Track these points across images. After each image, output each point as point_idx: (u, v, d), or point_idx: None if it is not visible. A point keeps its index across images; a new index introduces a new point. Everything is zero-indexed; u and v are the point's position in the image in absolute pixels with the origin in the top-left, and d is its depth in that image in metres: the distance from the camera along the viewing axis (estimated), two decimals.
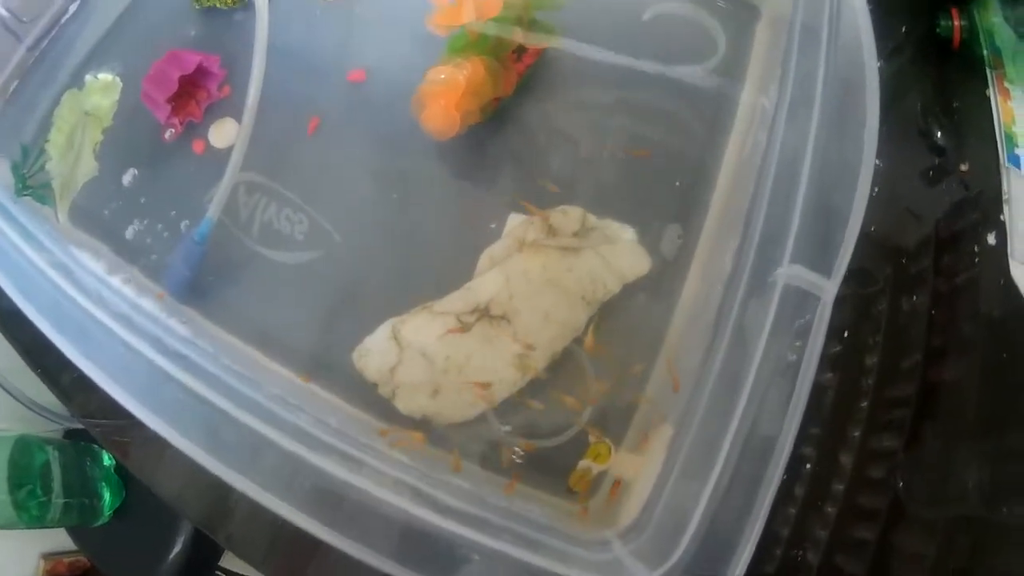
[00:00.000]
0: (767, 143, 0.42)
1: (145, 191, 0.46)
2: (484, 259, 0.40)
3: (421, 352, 0.38)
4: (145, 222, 0.45)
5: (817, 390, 0.44)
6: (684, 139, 0.44)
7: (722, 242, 0.41)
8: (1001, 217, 0.49)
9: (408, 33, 0.46)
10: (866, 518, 0.41)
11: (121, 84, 0.47)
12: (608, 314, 0.40)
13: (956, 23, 0.57)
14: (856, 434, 0.43)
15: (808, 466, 0.42)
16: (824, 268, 0.32)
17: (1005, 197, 0.50)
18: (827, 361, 0.44)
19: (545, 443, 0.38)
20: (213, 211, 0.43)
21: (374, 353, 0.39)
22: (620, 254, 0.40)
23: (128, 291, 0.41)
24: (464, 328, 0.38)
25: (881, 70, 0.59)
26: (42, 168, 0.46)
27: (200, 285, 0.43)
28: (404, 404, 0.39)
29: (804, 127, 0.39)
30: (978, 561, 0.39)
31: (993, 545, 0.39)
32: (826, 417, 0.43)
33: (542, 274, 0.38)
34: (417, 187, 0.43)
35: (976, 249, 0.47)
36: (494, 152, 0.44)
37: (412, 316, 0.38)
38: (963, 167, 0.52)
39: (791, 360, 0.32)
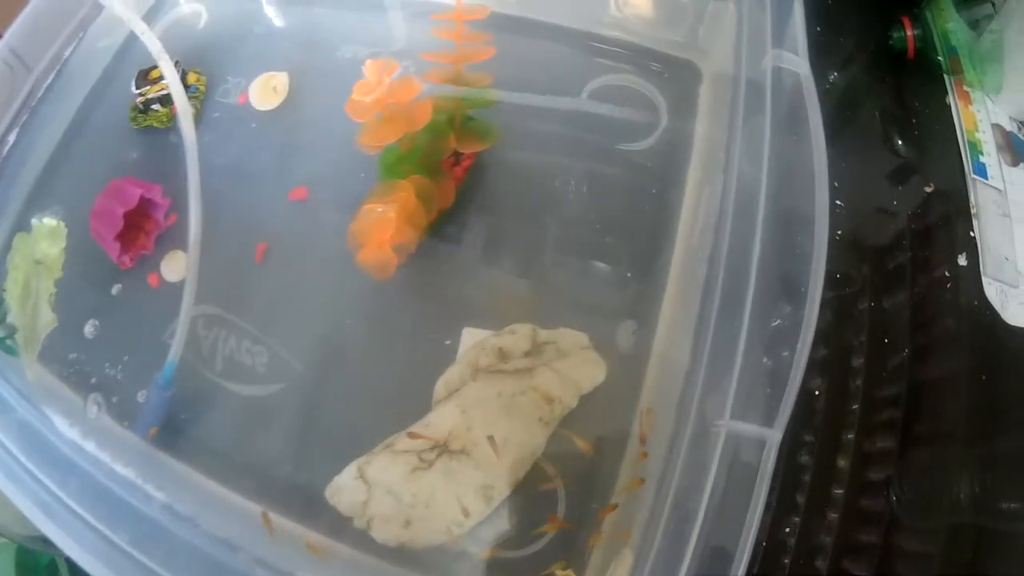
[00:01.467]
0: (718, 219, 0.40)
1: (107, 334, 0.45)
2: (440, 386, 0.39)
3: (388, 490, 0.38)
4: (110, 365, 0.44)
5: (807, 396, 0.45)
6: (632, 225, 0.43)
7: (679, 332, 0.41)
8: (971, 233, 0.47)
9: (345, 143, 0.43)
10: (869, 521, 0.41)
11: (66, 229, 0.46)
12: (568, 424, 0.39)
13: (909, 33, 0.54)
14: (850, 437, 0.43)
15: (807, 475, 0.42)
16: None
17: (973, 211, 0.48)
18: (815, 366, 0.44)
19: (512, 554, 0.38)
20: (173, 354, 0.42)
21: (345, 490, 0.39)
22: (575, 366, 0.39)
23: (104, 457, 0.41)
24: (426, 465, 0.37)
25: (835, 82, 0.57)
26: (3, 319, 0.45)
27: (172, 424, 0.43)
28: (379, 534, 0.38)
29: (753, 201, 0.37)
30: (982, 558, 0.39)
31: (995, 543, 0.39)
32: (819, 423, 0.42)
33: (497, 402, 0.38)
34: (369, 309, 0.42)
35: (947, 273, 0.46)
36: (441, 266, 0.42)
37: (376, 456, 0.38)
38: (927, 188, 0.50)
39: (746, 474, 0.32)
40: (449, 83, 0.42)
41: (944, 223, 0.48)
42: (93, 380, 0.44)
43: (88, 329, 0.45)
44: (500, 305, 0.41)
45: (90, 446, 0.42)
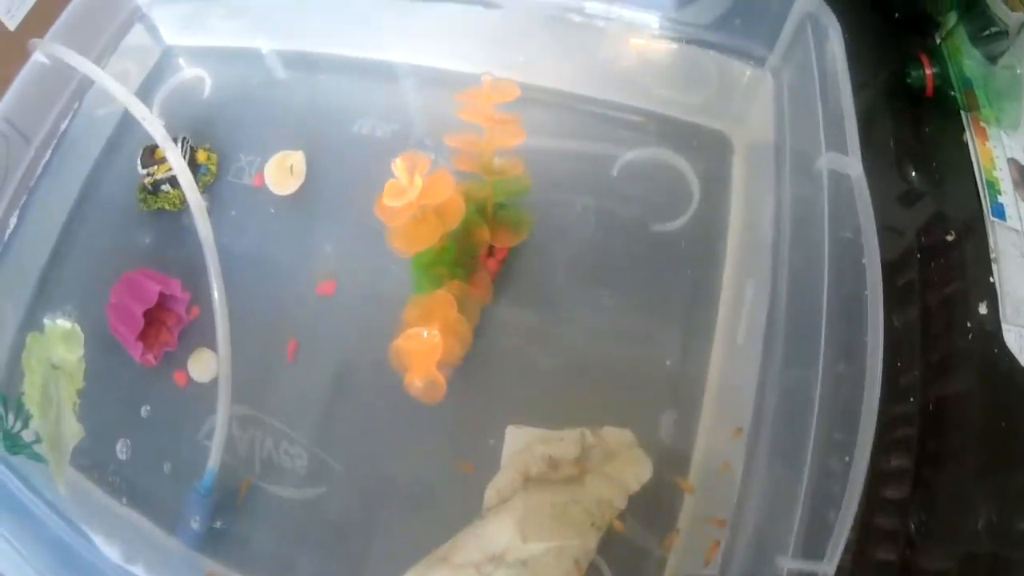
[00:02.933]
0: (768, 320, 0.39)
1: (139, 442, 0.42)
2: (490, 492, 0.38)
3: None
4: (146, 472, 0.42)
5: None
6: (669, 310, 0.41)
7: (722, 420, 0.40)
8: (991, 279, 0.46)
9: (370, 230, 0.41)
10: (886, 539, 0.40)
11: (82, 334, 0.42)
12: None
13: (928, 71, 0.52)
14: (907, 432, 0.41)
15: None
16: None
17: (993, 256, 0.47)
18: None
19: None
20: (213, 460, 0.40)
21: None
22: (623, 467, 0.38)
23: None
24: None
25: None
26: (26, 425, 0.43)
27: (215, 530, 0.41)
28: None
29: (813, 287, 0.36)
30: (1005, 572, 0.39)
31: (1010, 562, 0.39)
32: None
33: (551, 512, 0.36)
34: (407, 410, 0.40)
35: (968, 324, 0.45)
36: (480, 363, 0.40)
37: (433, 568, 0.37)
38: (948, 237, 0.49)
39: None
40: (478, 171, 0.39)
41: (963, 268, 0.47)
42: (127, 488, 0.42)
43: (119, 444, 0.42)
44: (542, 401, 0.39)
45: (138, 570, 0.40)
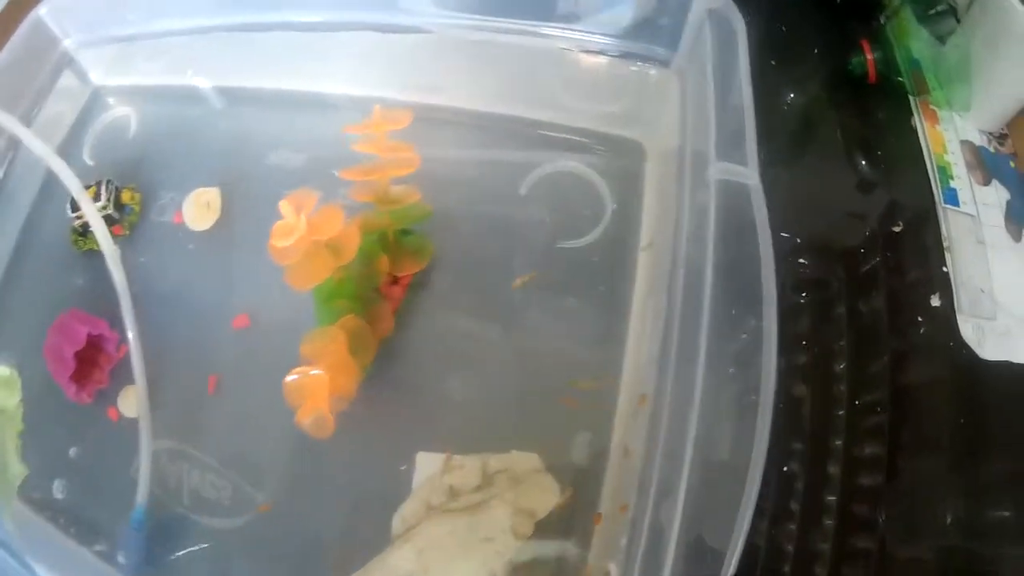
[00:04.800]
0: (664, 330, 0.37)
1: (78, 478, 0.42)
2: (396, 520, 0.37)
3: None
4: (88, 507, 0.42)
5: (792, 403, 0.42)
6: (582, 329, 0.39)
7: (636, 436, 0.38)
8: (944, 268, 0.43)
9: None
10: (864, 527, 0.39)
11: (19, 380, 0.43)
12: (526, 548, 0.37)
13: (869, 56, 0.49)
14: (839, 443, 0.41)
15: (800, 483, 0.40)
16: None
17: (946, 244, 0.44)
18: (797, 373, 0.42)
19: None
20: (140, 496, 0.40)
21: None
22: (528, 494, 0.36)
23: None
24: None
25: (792, 102, 0.52)
26: None
27: (153, 561, 0.41)
28: None
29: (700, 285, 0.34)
30: (979, 562, 0.38)
31: (987, 554, 0.38)
32: (806, 430, 0.40)
33: (451, 542, 0.35)
34: (322, 440, 0.40)
35: (919, 318, 0.43)
36: (389, 391, 0.39)
37: None
38: (896, 228, 0.46)
39: None
40: (375, 201, 0.38)
41: (915, 257, 0.44)
42: (73, 528, 0.42)
43: (57, 483, 0.42)
44: (454, 426, 0.38)
45: None
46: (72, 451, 0.43)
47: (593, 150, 0.42)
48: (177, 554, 0.41)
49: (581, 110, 0.42)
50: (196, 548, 0.40)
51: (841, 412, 0.41)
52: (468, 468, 0.36)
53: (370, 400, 0.39)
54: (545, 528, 0.37)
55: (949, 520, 0.38)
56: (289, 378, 0.35)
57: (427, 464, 0.38)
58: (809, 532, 0.38)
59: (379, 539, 0.37)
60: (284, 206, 0.35)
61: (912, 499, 0.39)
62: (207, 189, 0.43)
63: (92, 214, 0.40)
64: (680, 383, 0.33)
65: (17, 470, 0.42)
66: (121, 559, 0.41)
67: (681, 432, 0.30)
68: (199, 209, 0.43)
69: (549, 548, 0.37)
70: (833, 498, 0.39)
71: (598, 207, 0.41)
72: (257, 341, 0.41)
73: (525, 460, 0.37)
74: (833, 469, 0.40)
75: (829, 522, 0.39)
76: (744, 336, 0.32)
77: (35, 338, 0.44)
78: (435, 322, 0.40)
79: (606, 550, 0.36)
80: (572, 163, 0.41)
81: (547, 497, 0.36)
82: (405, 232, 0.39)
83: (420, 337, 0.40)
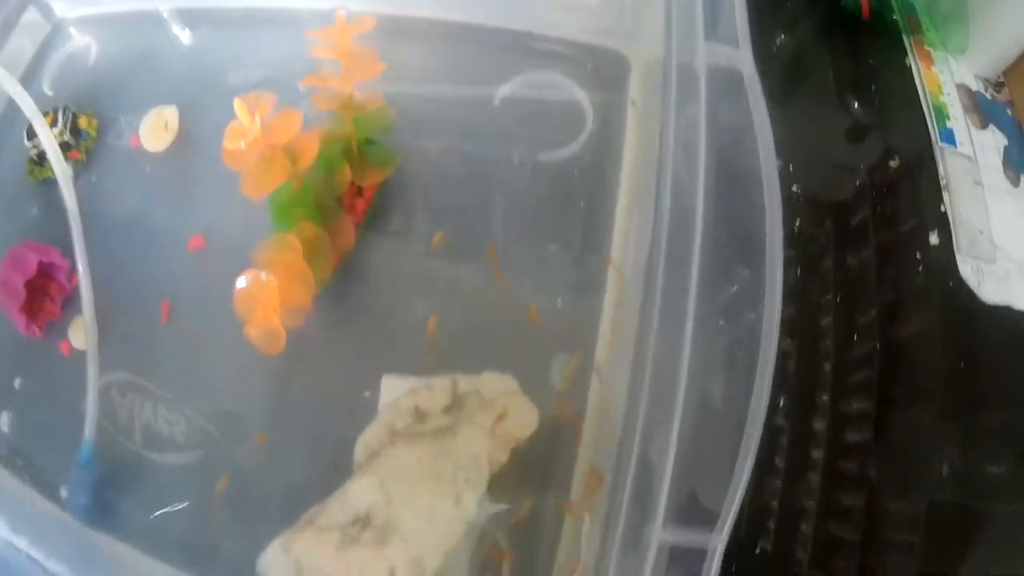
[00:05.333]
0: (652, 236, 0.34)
1: (25, 415, 0.40)
2: (359, 447, 0.34)
3: (317, 568, 0.33)
4: (35, 446, 0.39)
5: (778, 357, 0.39)
6: (561, 246, 0.36)
7: (618, 362, 0.35)
8: (942, 208, 0.40)
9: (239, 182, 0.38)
10: (850, 484, 0.36)
11: None
12: (504, 479, 0.34)
13: None
14: (825, 398, 0.38)
15: (785, 437, 0.37)
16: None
17: (943, 183, 0.41)
18: (783, 327, 0.38)
19: None
20: (87, 431, 0.37)
21: (274, 567, 0.34)
22: (504, 417, 0.33)
23: (36, 553, 0.36)
24: (352, 541, 0.32)
25: (783, 44, 0.49)
26: None
27: (103, 501, 0.38)
28: None
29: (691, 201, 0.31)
30: (974, 517, 0.35)
31: (979, 513, 0.35)
32: (792, 385, 0.38)
33: (417, 468, 0.32)
34: (282, 365, 0.36)
35: (918, 255, 0.40)
36: (351, 311, 0.36)
37: (300, 533, 0.33)
38: (892, 163, 0.43)
39: None
40: (337, 108, 0.35)
41: (912, 197, 0.41)
42: (19, 463, 0.39)
43: (4, 416, 0.40)
44: (419, 348, 0.35)
45: (22, 542, 0.38)
46: (18, 385, 0.40)
47: (574, 61, 0.38)
48: (127, 494, 0.38)
49: (561, 21, 0.39)
50: (147, 488, 0.38)
51: (828, 367, 0.38)
52: (436, 389, 0.33)
53: (331, 322, 0.36)
54: (523, 457, 0.33)
55: (945, 472, 0.35)
56: (238, 285, 0.32)
57: (393, 389, 0.35)
58: (794, 488, 0.36)
59: (343, 471, 0.34)
60: (238, 106, 0.32)
61: (906, 451, 0.36)
62: (164, 108, 0.41)
63: (45, 135, 0.37)
64: (669, 313, 0.30)
65: None
66: (68, 500, 0.38)
67: (672, 368, 0.27)
68: (156, 130, 0.40)
69: (527, 479, 0.33)
70: (819, 454, 0.37)
71: (578, 120, 0.37)
72: (213, 264, 0.38)
73: (499, 382, 0.34)
74: (819, 425, 0.37)
75: (815, 478, 0.36)
76: (740, 275, 0.29)
77: None
78: (401, 239, 0.36)
79: (590, 483, 0.33)
80: (551, 75, 0.38)
81: (525, 420, 0.33)
82: (369, 142, 0.36)
83: (385, 254, 0.36)
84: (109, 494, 0.38)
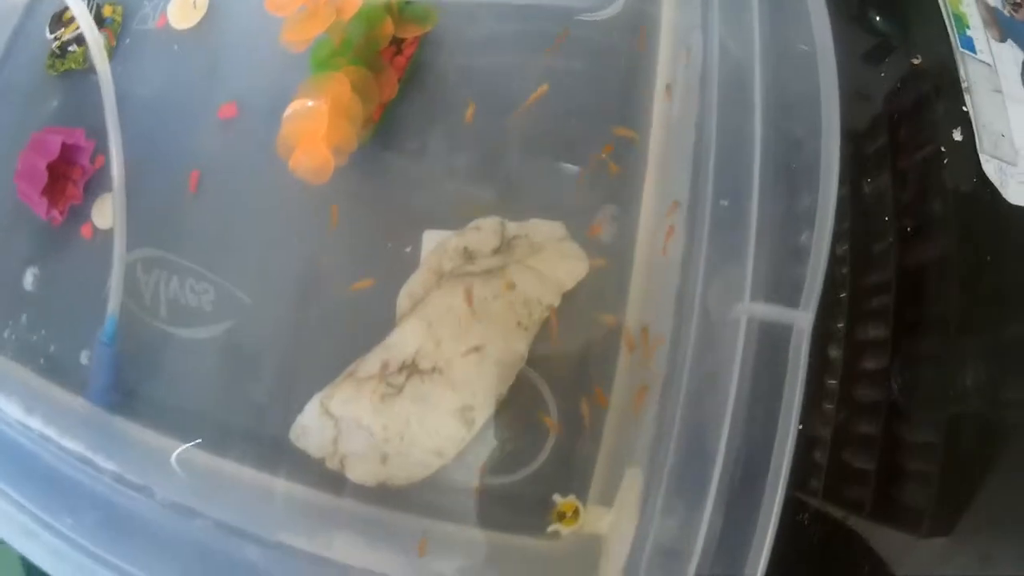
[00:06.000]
0: (701, 80, 0.33)
1: (45, 298, 0.38)
2: (403, 298, 0.32)
3: (357, 424, 0.31)
4: (53, 331, 0.37)
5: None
6: (602, 106, 0.35)
7: (664, 216, 0.33)
8: (963, 108, 0.40)
9: (274, 50, 0.35)
10: (867, 412, 0.34)
11: None
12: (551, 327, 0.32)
13: None
14: (840, 325, 0.36)
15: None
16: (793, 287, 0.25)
17: (965, 86, 0.41)
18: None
19: (505, 480, 0.31)
20: (112, 306, 0.35)
21: (310, 430, 0.32)
22: (552, 260, 0.31)
23: (50, 432, 0.34)
24: (396, 391, 0.31)
25: None
26: None
27: (124, 384, 0.36)
28: (355, 474, 0.31)
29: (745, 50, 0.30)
30: (987, 447, 0.32)
31: (1000, 432, 0.33)
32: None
33: (467, 310, 0.30)
34: (317, 224, 0.35)
35: (942, 149, 0.39)
36: (392, 168, 0.34)
37: (338, 387, 0.31)
38: (915, 60, 0.42)
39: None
40: None
41: (935, 98, 0.40)
42: (37, 348, 0.38)
43: (27, 286, 0.38)
44: (463, 205, 0.33)
45: (36, 423, 0.36)
46: (37, 271, 0.38)
47: None
48: (151, 374, 0.36)
49: None
50: (172, 368, 0.36)
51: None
52: (485, 229, 0.31)
53: (369, 177, 0.34)
54: (572, 303, 0.32)
55: (969, 383, 0.33)
56: (285, 114, 0.30)
57: (435, 243, 0.33)
58: (809, 416, 0.33)
59: (385, 329, 0.32)
60: None
61: (928, 364, 0.34)
62: None
63: (80, 10, 0.36)
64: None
65: None
66: (89, 380, 0.35)
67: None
68: (184, 8, 0.39)
69: (579, 324, 0.31)
70: (834, 382, 0.35)
71: None
72: (244, 133, 0.37)
73: (547, 228, 0.32)
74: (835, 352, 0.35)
75: (829, 406, 0.34)
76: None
77: (7, 163, 0.40)
78: (442, 99, 0.35)
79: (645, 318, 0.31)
80: None
81: (574, 266, 0.31)
82: (407, 2, 0.36)
83: (425, 114, 0.35)
84: (132, 375, 0.36)
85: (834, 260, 0.37)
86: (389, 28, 0.34)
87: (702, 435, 0.26)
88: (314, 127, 0.30)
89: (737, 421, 0.25)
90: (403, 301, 0.32)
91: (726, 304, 0.27)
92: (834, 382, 0.35)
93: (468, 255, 0.31)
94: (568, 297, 0.32)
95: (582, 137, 0.34)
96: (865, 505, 0.32)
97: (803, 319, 0.24)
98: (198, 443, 0.33)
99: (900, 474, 0.33)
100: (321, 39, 0.34)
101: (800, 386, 0.24)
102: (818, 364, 0.35)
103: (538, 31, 0.36)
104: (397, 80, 0.34)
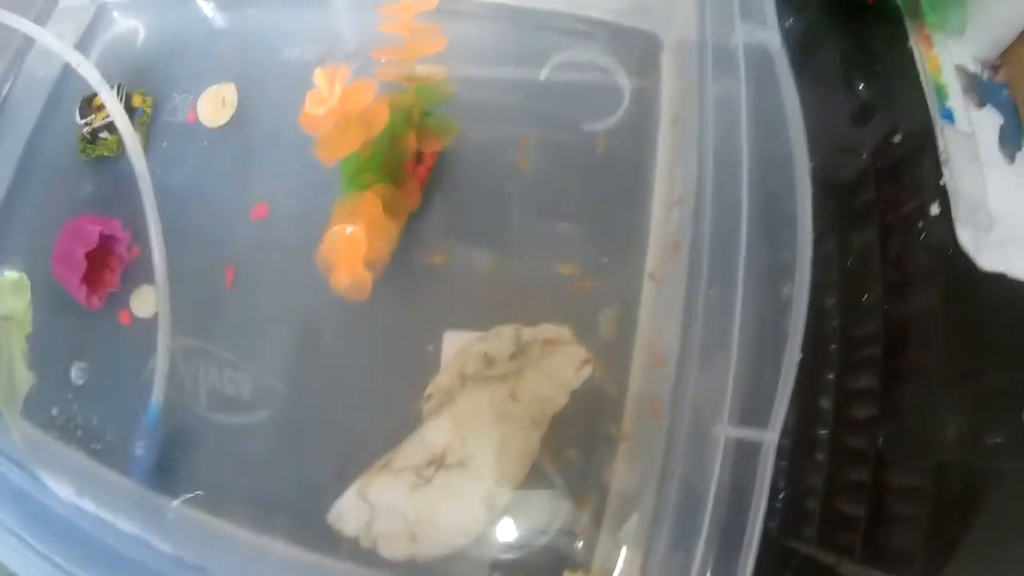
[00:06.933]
0: (696, 191, 0.37)
1: (89, 384, 0.41)
2: (430, 396, 0.36)
3: (391, 509, 0.35)
4: (97, 417, 0.40)
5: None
6: (605, 208, 0.39)
7: (663, 316, 0.37)
8: (941, 182, 0.44)
9: (302, 152, 0.38)
10: (857, 460, 0.38)
11: (29, 282, 0.41)
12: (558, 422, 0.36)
13: None
14: (831, 376, 0.40)
15: (791, 415, 0.38)
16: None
17: (943, 158, 0.45)
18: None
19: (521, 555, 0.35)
20: (156, 393, 0.38)
21: (347, 513, 0.35)
22: (561, 363, 0.35)
23: (104, 514, 0.37)
24: (426, 482, 0.34)
25: (791, 28, 0.53)
26: None
27: (168, 466, 0.39)
28: (386, 551, 0.35)
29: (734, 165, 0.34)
30: (974, 490, 0.36)
31: (986, 477, 0.37)
32: (799, 363, 0.40)
33: (489, 410, 0.34)
34: (345, 323, 0.38)
35: (920, 224, 0.43)
36: (413, 271, 0.38)
37: (375, 476, 0.35)
38: (895, 138, 0.46)
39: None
40: (402, 81, 0.38)
41: (915, 170, 0.44)
42: (80, 433, 0.40)
43: (73, 379, 0.40)
44: (478, 306, 0.37)
45: (87, 504, 0.38)
46: (82, 364, 0.41)
47: (611, 41, 0.41)
48: (194, 457, 0.39)
49: (598, 3, 0.42)
50: (214, 450, 0.39)
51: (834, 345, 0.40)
52: (503, 337, 0.35)
53: (393, 280, 0.38)
54: (578, 400, 0.36)
55: (951, 436, 0.37)
56: (325, 237, 0.33)
57: (455, 343, 0.37)
58: (801, 466, 0.38)
59: (407, 422, 0.36)
60: (318, 75, 0.34)
61: (912, 418, 0.38)
62: (222, 85, 0.42)
63: (110, 100, 0.38)
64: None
65: (24, 377, 0.40)
66: (134, 463, 0.38)
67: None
68: (214, 105, 0.42)
69: (581, 418, 0.36)
70: (825, 432, 0.38)
71: (616, 95, 0.40)
72: (275, 233, 0.40)
73: (556, 332, 0.36)
74: (825, 402, 0.39)
75: (821, 456, 0.38)
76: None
77: (42, 246, 0.42)
78: (459, 203, 0.39)
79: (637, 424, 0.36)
80: (589, 52, 0.41)
81: (580, 368, 0.35)
82: (428, 114, 0.39)
83: (444, 218, 0.38)
84: (176, 458, 0.39)
85: (823, 313, 0.41)
86: (412, 142, 0.37)
87: (688, 525, 0.30)
88: (353, 251, 0.33)
89: (715, 524, 0.29)
90: (430, 399, 0.35)
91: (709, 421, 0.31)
92: (825, 432, 0.39)
93: (488, 360, 0.35)
94: (575, 394, 0.36)
95: (586, 240, 0.38)
96: (856, 549, 0.36)
97: (771, 437, 0.28)
98: (243, 522, 0.37)
99: (889, 518, 0.36)
100: (350, 154, 0.37)
101: (765, 491, 0.28)
102: (809, 414, 0.39)
103: (546, 144, 0.39)
104: (419, 191, 0.37)
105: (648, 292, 0.37)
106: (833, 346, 0.40)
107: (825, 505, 0.37)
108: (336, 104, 0.34)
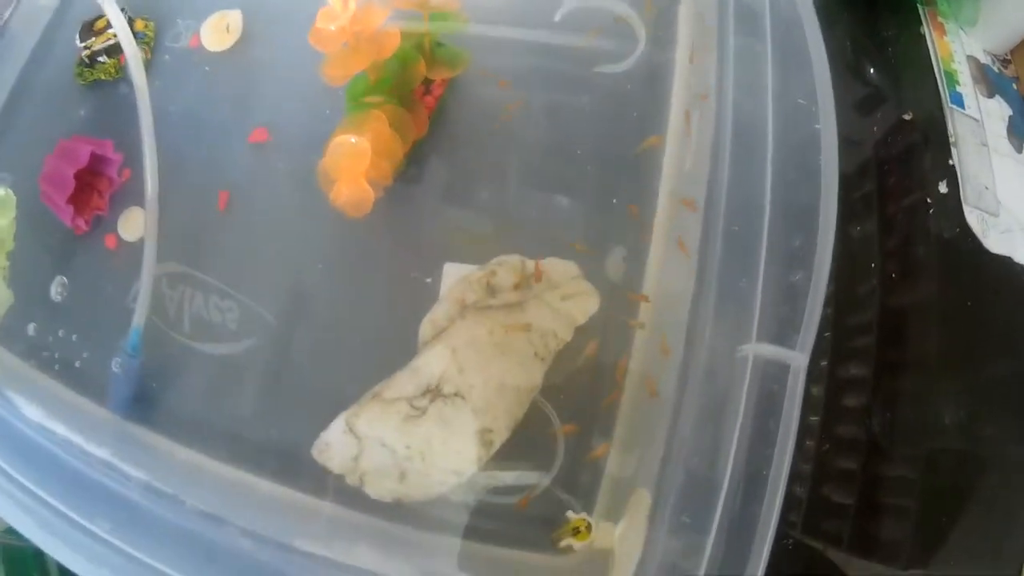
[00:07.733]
0: (714, 128, 0.36)
1: (68, 306, 0.39)
2: (426, 326, 0.34)
3: (380, 443, 0.33)
4: (75, 339, 0.38)
5: None
6: (615, 152, 0.37)
7: (674, 258, 0.36)
8: (950, 162, 0.43)
9: (306, 79, 0.37)
10: (847, 448, 0.37)
11: (15, 197, 0.39)
12: (564, 358, 0.34)
13: None
14: (823, 364, 0.38)
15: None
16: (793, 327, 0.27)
17: (952, 140, 0.44)
18: None
19: (516, 499, 0.33)
20: (137, 318, 0.36)
21: (334, 446, 0.33)
22: (567, 298, 0.34)
23: (75, 439, 0.35)
24: (419, 413, 0.33)
25: None
26: None
27: (145, 395, 0.37)
28: (373, 490, 0.33)
29: (757, 109, 0.33)
30: (964, 481, 0.35)
31: (977, 466, 0.36)
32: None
33: (489, 340, 0.32)
34: (342, 251, 0.37)
35: (928, 200, 0.42)
36: (415, 201, 0.36)
37: (364, 407, 0.33)
38: (906, 116, 0.45)
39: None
40: (415, 7, 0.36)
41: (924, 150, 0.44)
42: (57, 355, 0.38)
43: (51, 298, 0.38)
44: (481, 239, 0.35)
45: (59, 428, 0.36)
46: (64, 280, 0.39)
47: None
48: (175, 387, 0.37)
49: None
50: (194, 381, 0.37)
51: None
52: (506, 267, 0.34)
53: (393, 210, 0.36)
54: (584, 336, 0.34)
55: (948, 421, 0.36)
56: (328, 148, 0.32)
57: (455, 275, 0.35)
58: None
59: (404, 353, 0.34)
60: None
61: (908, 401, 0.37)
62: (227, 12, 0.41)
63: (115, 15, 0.37)
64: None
65: (3, 295, 0.38)
66: (111, 390, 0.36)
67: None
68: (217, 31, 0.40)
69: (585, 355, 0.34)
70: (816, 418, 0.37)
71: (631, 40, 0.39)
72: (274, 158, 0.38)
73: (562, 267, 0.34)
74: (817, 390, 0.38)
75: (810, 443, 0.37)
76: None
77: (32, 167, 0.40)
78: (466, 138, 0.37)
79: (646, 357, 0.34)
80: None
81: (587, 302, 0.34)
82: (440, 44, 0.38)
83: (449, 151, 0.37)
84: (155, 387, 0.37)
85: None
86: (422, 69, 0.36)
87: (709, 461, 0.28)
88: (356, 163, 0.31)
89: (741, 450, 0.27)
90: (426, 329, 0.34)
91: (733, 342, 0.29)
92: (816, 419, 0.37)
93: (490, 290, 0.33)
94: (580, 330, 0.34)
95: (599, 178, 0.37)
96: (843, 538, 0.35)
97: (800, 359, 0.27)
98: (221, 456, 0.35)
99: (879, 508, 0.35)
100: (358, 75, 0.35)
101: (796, 418, 0.27)
102: (801, 401, 0.38)
103: (559, 73, 0.38)
104: (427, 119, 0.36)
105: (659, 234, 0.36)
106: (827, 334, 0.39)
107: (813, 492, 0.36)
108: (347, 23, 0.33)
